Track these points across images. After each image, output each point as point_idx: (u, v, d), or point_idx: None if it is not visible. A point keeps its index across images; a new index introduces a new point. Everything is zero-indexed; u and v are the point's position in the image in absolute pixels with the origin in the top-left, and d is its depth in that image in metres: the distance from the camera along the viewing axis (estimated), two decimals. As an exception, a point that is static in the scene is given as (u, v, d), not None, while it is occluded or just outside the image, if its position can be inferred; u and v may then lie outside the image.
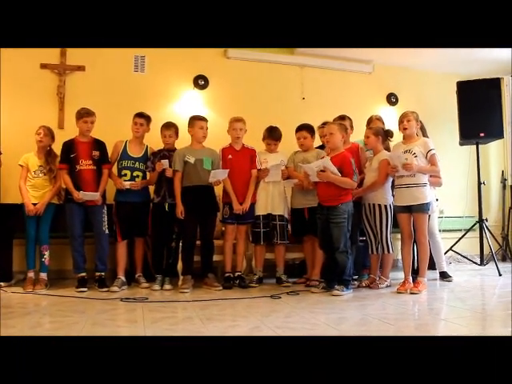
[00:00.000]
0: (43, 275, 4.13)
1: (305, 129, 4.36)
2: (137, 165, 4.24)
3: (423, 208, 3.83)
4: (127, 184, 4.13)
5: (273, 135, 4.41)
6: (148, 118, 4.33)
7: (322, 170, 3.80)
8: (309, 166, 3.89)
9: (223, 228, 4.40)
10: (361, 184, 4.13)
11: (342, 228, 3.80)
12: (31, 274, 4.12)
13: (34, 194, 4.16)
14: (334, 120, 4.35)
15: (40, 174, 4.20)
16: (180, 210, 4.01)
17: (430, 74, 6.30)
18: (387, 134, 4.24)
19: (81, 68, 5.03)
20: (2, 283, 4.07)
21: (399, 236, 4.24)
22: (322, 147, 4.54)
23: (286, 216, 4.37)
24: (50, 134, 4.24)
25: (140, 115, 4.30)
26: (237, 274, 4.27)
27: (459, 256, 5.68)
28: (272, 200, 4.31)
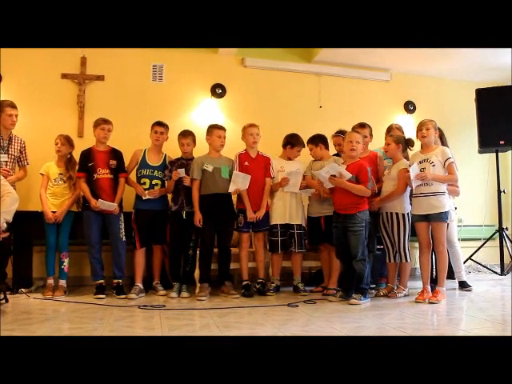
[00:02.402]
0: (62, 282, 4.18)
1: (309, 142, 4.43)
2: (156, 173, 4.28)
3: (441, 217, 3.79)
4: (146, 194, 4.17)
5: (300, 142, 4.42)
6: (167, 127, 4.38)
7: (333, 175, 3.79)
8: (319, 173, 3.88)
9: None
10: (379, 193, 4.11)
11: (359, 236, 3.79)
12: (51, 281, 4.18)
13: (54, 201, 4.21)
14: (353, 127, 4.33)
15: (60, 182, 4.26)
16: (198, 217, 4.03)
17: (448, 82, 6.26)
18: (408, 144, 4.21)
19: (100, 77, 5.11)
20: (23, 289, 4.13)
21: (417, 245, 4.20)
22: (337, 155, 4.54)
23: (304, 225, 4.36)
24: (67, 142, 4.30)
25: (160, 124, 4.34)
26: (259, 281, 4.27)
27: (479, 265, 5.60)
28: (290, 209, 4.30)
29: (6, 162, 4.08)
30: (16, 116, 4.14)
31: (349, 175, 3.78)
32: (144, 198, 4.17)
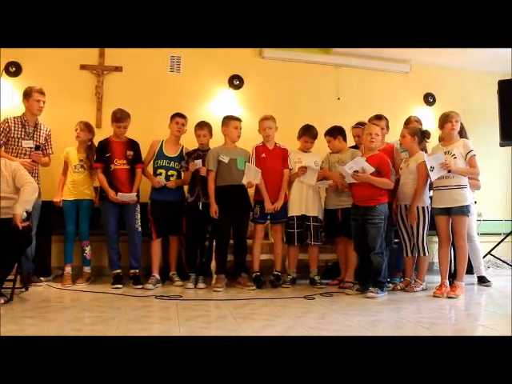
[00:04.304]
0: (86, 269, 4.26)
1: (327, 134, 4.36)
2: (172, 164, 4.28)
3: (463, 210, 3.74)
4: (163, 180, 4.18)
5: (310, 133, 4.38)
6: (187, 119, 4.38)
7: (356, 171, 3.76)
8: (343, 169, 3.85)
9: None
10: (396, 184, 4.07)
11: (379, 229, 3.76)
12: (68, 269, 4.21)
13: (73, 190, 4.24)
14: (369, 119, 4.30)
15: (80, 169, 4.29)
16: (214, 209, 4.03)
17: (469, 73, 6.15)
18: (424, 135, 4.15)
19: (118, 69, 5.13)
20: (42, 278, 4.17)
21: (435, 239, 4.15)
22: (355, 147, 4.50)
23: (320, 217, 4.33)
24: (86, 128, 4.32)
25: (182, 115, 4.34)
26: (275, 273, 4.27)
27: (498, 260, 5.52)
28: (306, 201, 4.28)
29: (31, 148, 4.05)
30: (43, 102, 4.11)
31: (372, 169, 3.74)
32: (159, 186, 4.17)
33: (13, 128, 4.01)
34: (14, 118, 4.07)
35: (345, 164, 3.94)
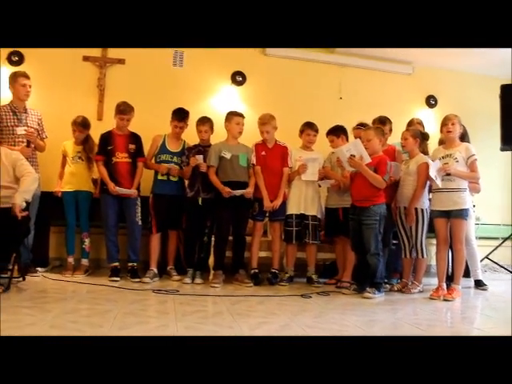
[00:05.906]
0: (84, 261, 4.26)
1: (330, 133, 4.40)
2: (175, 159, 4.27)
3: (462, 214, 3.75)
4: (171, 165, 4.19)
5: (311, 127, 4.38)
6: (187, 117, 4.33)
7: (353, 156, 3.75)
8: (340, 149, 3.85)
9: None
10: (396, 186, 4.07)
11: (373, 230, 3.75)
12: (71, 260, 4.23)
13: (72, 181, 4.25)
14: (373, 122, 4.31)
15: (78, 160, 4.28)
16: (226, 190, 3.98)
17: (472, 77, 6.14)
18: (423, 137, 4.16)
19: (121, 61, 5.12)
20: (39, 268, 4.17)
21: (434, 241, 4.15)
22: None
23: (319, 216, 4.33)
24: (81, 127, 4.25)
25: (180, 119, 4.27)
26: (272, 271, 4.28)
27: (495, 265, 5.53)
28: (305, 199, 4.28)
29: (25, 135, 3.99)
30: (30, 86, 4.06)
31: (369, 159, 3.73)
32: (166, 171, 4.17)
33: (4, 117, 3.97)
34: (3, 106, 4.03)
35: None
